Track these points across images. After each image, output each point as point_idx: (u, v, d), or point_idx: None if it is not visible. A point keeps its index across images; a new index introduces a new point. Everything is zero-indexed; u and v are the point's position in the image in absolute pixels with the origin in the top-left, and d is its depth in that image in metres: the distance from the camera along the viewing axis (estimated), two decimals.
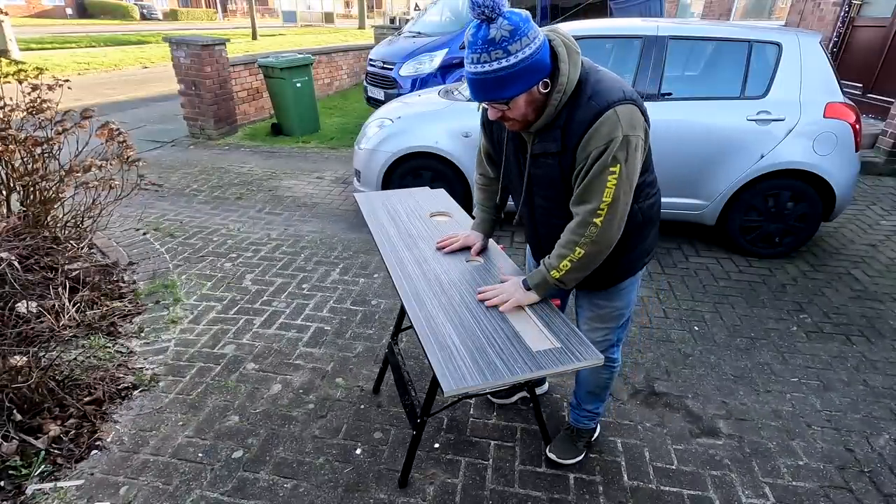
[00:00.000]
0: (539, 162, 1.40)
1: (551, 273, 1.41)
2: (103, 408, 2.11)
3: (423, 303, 1.45)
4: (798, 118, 3.24)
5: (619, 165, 1.25)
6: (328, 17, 39.84)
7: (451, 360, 1.23)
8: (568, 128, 1.29)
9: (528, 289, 1.46)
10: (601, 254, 1.37)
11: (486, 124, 1.60)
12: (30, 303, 2.13)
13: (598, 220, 1.31)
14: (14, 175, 2.84)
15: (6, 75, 3.02)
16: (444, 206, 2.10)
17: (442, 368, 1.20)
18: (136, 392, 2.23)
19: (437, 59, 6.25)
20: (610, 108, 1.24)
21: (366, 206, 2.09)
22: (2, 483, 1.76)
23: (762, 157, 3.27)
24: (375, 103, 6.60)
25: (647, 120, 1.33)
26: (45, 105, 2.94)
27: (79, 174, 2.90)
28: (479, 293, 1.48)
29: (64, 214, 3.11)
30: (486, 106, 1.33)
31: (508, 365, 1.22)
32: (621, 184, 1.27)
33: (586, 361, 1.25)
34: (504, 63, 1.17)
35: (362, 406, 2.20)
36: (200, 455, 1.93)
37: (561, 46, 1.25)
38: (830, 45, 6.59)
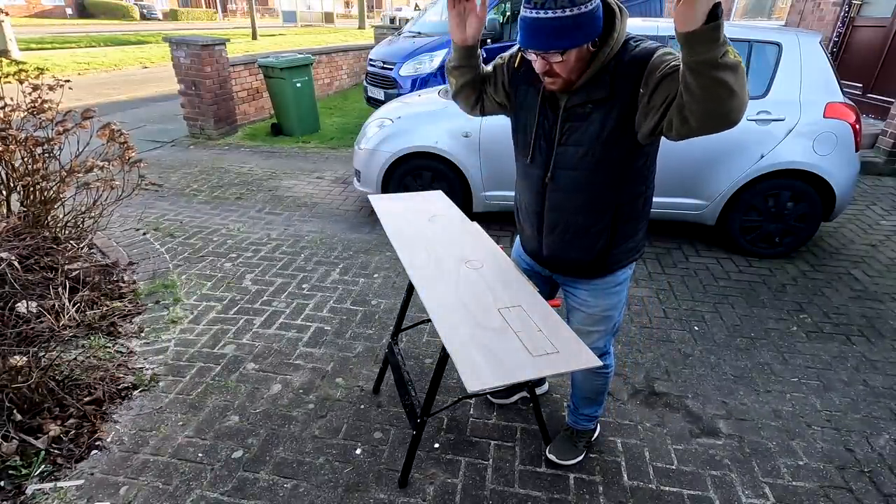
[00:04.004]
0: (576, 114, 1.35)
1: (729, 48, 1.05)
2: (103, 408, 2.11)
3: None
4: (798, 118, 3.24)
5: None
6: (328, 17, 39.84)
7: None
8: (618, 71, 1.27)
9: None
10: (743, 104, 1.09)
11: (508, 70, 1.51)
12: (30, 303, 2.13)
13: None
14: (14, 175, 2.84)
15: (6, 75, 3.02)
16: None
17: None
18: (136, 392, 2.23)
19: (437, 59, 6.26)
20: (661, 48, 1.26)
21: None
22: (2, 483, 1.76)
23: (762, 157, 3.27)
24: (375, 103, 6.61)
25: None
26: (45, 105, 2.94)
27: (80, 175, 2.90)
28: None
29: (64, 215, 3.11)
30: (530, 57, 1.29)
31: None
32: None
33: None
34: (571, 12, 1.18)
35: (362, 406, 2.20)
36: (200, 455, 1.93)
37: (615, 5, 1.28)
38: (830, 45, 6.58)
